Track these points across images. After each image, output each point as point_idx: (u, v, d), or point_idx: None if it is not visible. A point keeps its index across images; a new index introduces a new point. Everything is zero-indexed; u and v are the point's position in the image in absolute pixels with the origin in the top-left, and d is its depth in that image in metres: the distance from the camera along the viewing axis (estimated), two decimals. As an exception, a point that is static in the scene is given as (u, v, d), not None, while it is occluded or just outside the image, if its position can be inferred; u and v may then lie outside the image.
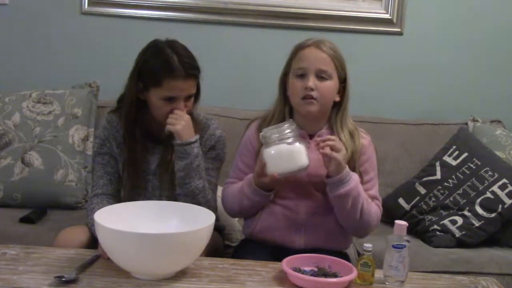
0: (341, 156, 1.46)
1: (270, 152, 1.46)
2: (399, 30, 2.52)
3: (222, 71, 2.40)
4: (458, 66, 2.55)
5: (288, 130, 1.46)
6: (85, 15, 2.47)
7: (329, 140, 1.48)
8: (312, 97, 1.53)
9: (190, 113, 1.66)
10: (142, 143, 1.65)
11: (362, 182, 1.56)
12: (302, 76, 1.54)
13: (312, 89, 1.52)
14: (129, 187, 1.65)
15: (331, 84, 1.55)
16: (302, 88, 1.53)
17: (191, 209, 1.40)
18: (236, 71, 2.50)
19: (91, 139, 2.20)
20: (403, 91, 2.56)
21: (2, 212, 1.99)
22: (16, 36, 2.47)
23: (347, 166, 1.50)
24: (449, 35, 2.53)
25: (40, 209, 2.00)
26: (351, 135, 1.60)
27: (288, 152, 1.45)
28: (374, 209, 1.55)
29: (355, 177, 1.50)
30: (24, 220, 1.91)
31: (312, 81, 1.52)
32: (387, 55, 2.54)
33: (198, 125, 1.67)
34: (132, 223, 1.30)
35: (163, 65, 1.57)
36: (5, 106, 2.17)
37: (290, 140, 1.45)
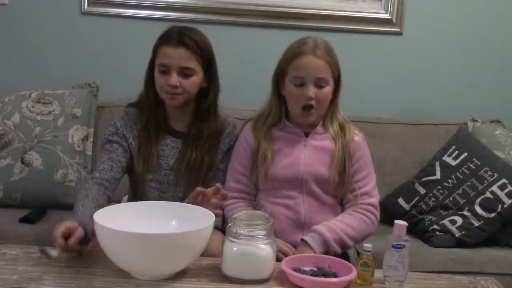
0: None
1: (232, 249, 1.27)
2: (399, 30, 2.52)
3: (222, 71, 2.38)
4: (458, 66, 2.55)
5: (261, 231, 1.27)
6: (85, 15, 2.47)
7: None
8: (311, 107, 1.56)
9: (210, 107, 1.65)
10: (157, 135, 1.65)
11: (356, 180, 1.61)
12: (301, 85, 1.57)
13: (312, 98, 1.55)
14: (140, 179, 1.65)
15: (329, 90, 1.59)
16: (301, 97, 1.56)
17: (191, 210, 1.40)
18: (236, 71, 2.49)
19: (91, 139, 2.21)
20: (403, 91, 2.56)
21: (2, 212, 1.98)
22: (16, 36, 2.47)
23: (315, 247, 1.50)
24: (449, 35, 2.53)
25: (40, 209, 2.00)
26: (341, 127, 1.63)
27: (253, 258, 1.26)
28: (364, 225, 1.58)
29: (321, 247, 1.51)
30: (24, 220, 1.91)
31: (311, 91, 1.55)
32: (386, 55, 2.54)
33: (220, 122, 1.68)
34: (131, 223, 1.30)
35: (160, 36, 1.62)
36: (5, 106, 2.17)
37: (259, 243, 1.27)
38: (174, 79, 1.57)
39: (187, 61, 1.59)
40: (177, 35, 1.58)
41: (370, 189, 1.62)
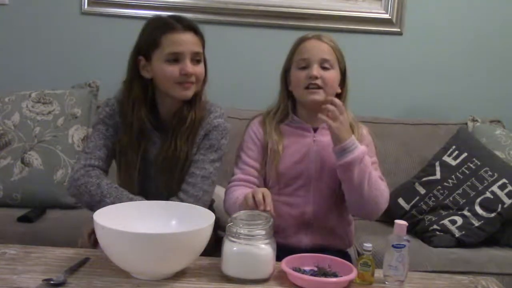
0: (338, 124, 1.47)
1: (232, 249, 1.26)
2: (399, 30, 2.52)
3: (222, 71, 2.40)
4: (458, 66, 2.56)
5: (261, 231, 1.27)
6: (85, 15, 2.47)
7: (332, 106, 1.48)
8: (317, 86, 1.53)
9: (197, 96, 1.56)
10: (142, 131, 1.54)
11: None
12: (305, 67, 1.55)
13: (316, 77, 1.53)
14: (122, 175, 1.57)
15: (334, 73, 1.57)
16: (306, 78, 1.54)
17: (191, 210, 1.40)
18: (236, 71, 2.50)
19: (91, 139, 2.21)
20: (403, 91, 2.56)
21: (1, 212, 1.99)
22: (16, 36, 2.47)
23: (352, 136, 1.49)
24: (449, 35, 2.54)
25: (39, 209, 2.00)
26: (351, 126, 1.58)
27: (253, 258, 1.26)
28: (383, 186, 1.53)
29: (362, 148, 1.49)
30: (22, 219, 1.91)
31: (316, 70, 1.53)
32: (387, 55, 2.55)
33: (202, 112, 1.57)
34: (131, 223, 1.30)
35: (159, 25, 1.52)
36: (5, 106, 2.17)
37: (259, 243, 1.26)
38: (190, 66, 1.50)
39: (197, 46, 1.52)
40: (178, 21, 1.52)
41: (379, 174, 1.58)
